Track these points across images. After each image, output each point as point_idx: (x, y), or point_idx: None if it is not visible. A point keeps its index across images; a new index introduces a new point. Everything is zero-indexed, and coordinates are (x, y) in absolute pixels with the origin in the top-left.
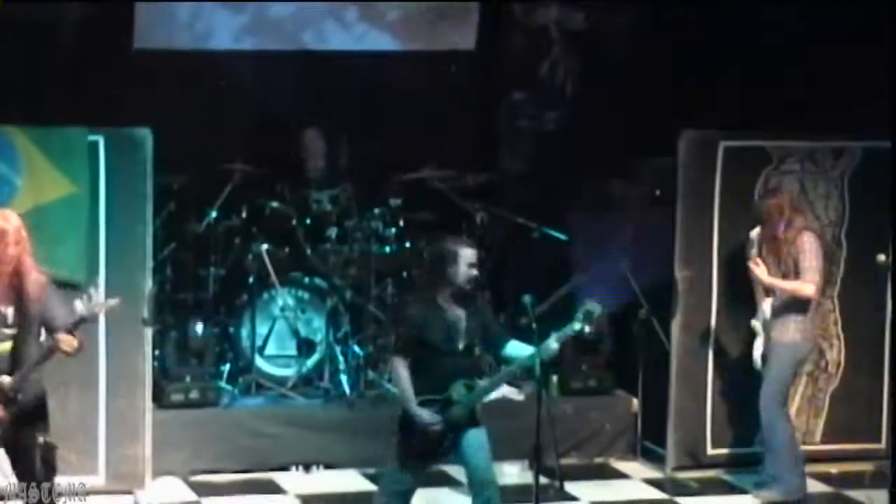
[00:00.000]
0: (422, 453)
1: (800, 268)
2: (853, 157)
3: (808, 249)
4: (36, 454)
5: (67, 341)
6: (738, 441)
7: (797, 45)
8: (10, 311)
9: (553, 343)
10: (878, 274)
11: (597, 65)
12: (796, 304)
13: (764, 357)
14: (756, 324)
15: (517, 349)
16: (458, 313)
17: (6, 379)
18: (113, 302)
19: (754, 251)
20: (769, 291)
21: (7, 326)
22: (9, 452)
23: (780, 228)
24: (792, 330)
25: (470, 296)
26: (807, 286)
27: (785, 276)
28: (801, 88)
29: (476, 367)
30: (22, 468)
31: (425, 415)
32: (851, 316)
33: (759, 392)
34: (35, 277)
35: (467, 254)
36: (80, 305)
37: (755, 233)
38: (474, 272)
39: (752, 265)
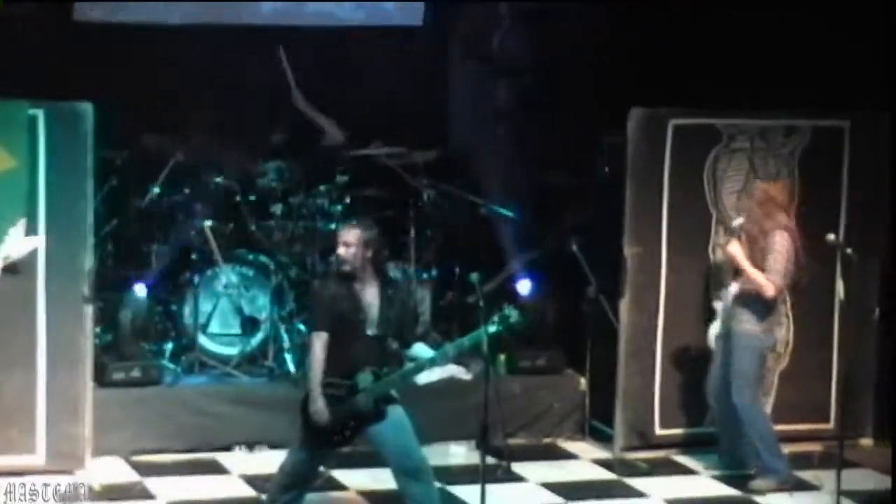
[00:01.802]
0: (323, 436)
1: (767, 265)
2: (804, 134)
3: (779, 250)
4: None
5: None
6: (688, 421)
7: (748, 21)
8: None
9: (450, 350)
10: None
11: (548, 40)
12: (759, 296)
13: (720, 339)
14: (717, 305)
15: (422, 352)
16: (371, 300)
17: None
18: (35, 239)
19: (738, 232)
20: (735, 276)
21: None
22: None
23: (761, 218)
24: (752, 321)
25: (386, 285)
26: (768, 286)
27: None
28: (752, 65)
29: (385, 357)
30: None
31: (320, 403)
32: (801, 296)
33: (710, 374)
34: None
35: (342, 233)
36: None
37: (741, 218)
38: (342, 252)
39: (731, 243)
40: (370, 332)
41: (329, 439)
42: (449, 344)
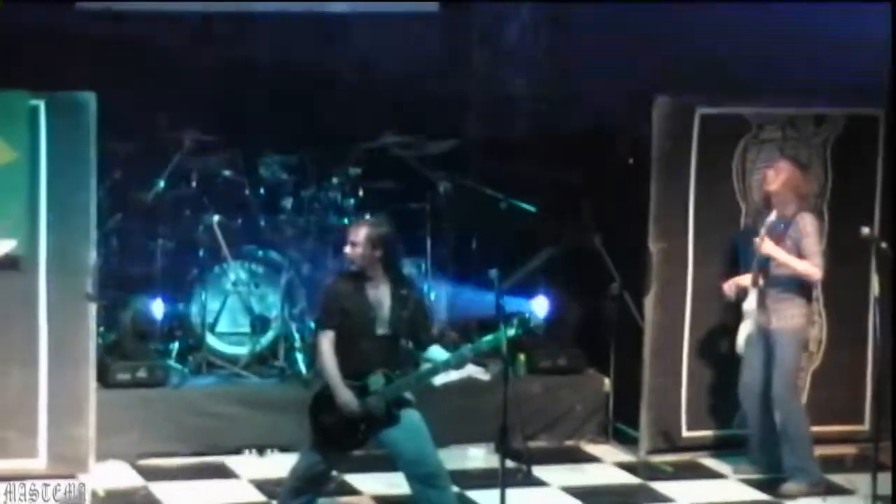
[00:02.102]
0: (334, 438)
1: (804, 251)
2: (836, 123)
3: (811, 231)
4: None
5: None
6: (716, 423)
7: (778, 6)
8: None
9: (466, 352)
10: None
11: (569, 27)
12: (799, 288)
13: (756, 339)
14: (747, 306)
15: (437, 354)
16: (382, 299)
17: None
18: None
19: (764, 230)
20: (764, 275)
21: None
22: None
23: (783, 203)
24: (797, 315)
25: (398, 284)
26: (814, 271)
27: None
28: (782, 53)
29: (398, 358)
30: None
31: (347, 395)
32: (834, 292)
33: (741, 376)
34: None
35: (349, 231)
36: None
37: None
38: (348, 251)
39: (759, 241)
40: (381, 332)
41: (340, 442)
42: (465, 346)
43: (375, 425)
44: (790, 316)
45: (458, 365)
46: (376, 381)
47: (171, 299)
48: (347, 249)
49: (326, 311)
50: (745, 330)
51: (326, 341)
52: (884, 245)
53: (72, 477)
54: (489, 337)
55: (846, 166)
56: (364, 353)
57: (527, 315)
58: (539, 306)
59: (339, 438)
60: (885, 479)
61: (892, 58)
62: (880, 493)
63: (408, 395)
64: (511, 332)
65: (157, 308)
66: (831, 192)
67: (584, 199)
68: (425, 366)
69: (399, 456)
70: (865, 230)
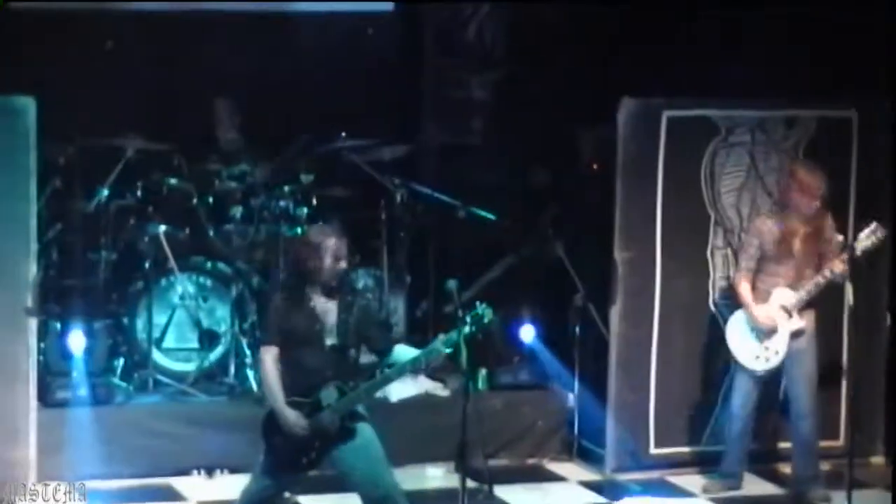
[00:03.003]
0: (286, 460)
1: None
2: (807, 126)
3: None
4: None
5: None
6: (685, 439)
7: (748, 6)
8: None
9: (422, 356)
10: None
11: (528, 28)
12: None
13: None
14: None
15: (404, 353)
16: (328, 308)
17: None
18: None
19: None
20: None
21: None
22: None
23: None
24: (813, 325)
25: (343, 291)
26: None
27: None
28: (752, 54)
29: (350, 369)
30: None
31: (291, 416)
32: (809, 304)
33: (742, 387)
34: None
35: (332, 246)
36: None
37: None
38: (341, 266)
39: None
40: (330, 342)
41: (293, 463)
42: (421, 350)
43: (330, 442)
44: (811, 327)
45: (415, 369)
46: (329, 394)
47: (115, 314)
48: (332, 264)
49: (268, 325)
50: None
51: (269, 359)
52: (858, 252)
53: (10, 502)
54: (445, 337)
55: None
56: (313, 366)
57: (479, 311)
58: (526, 334)
59: (291, 460)
60: (859, 496)
61: (892, 56)
62: None
63: (360, 409)
64: (465, 329)
65: (75, 341)
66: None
67: (546, 205)
68: (379, 375)
69: (352, 476)
70: (839, 238)
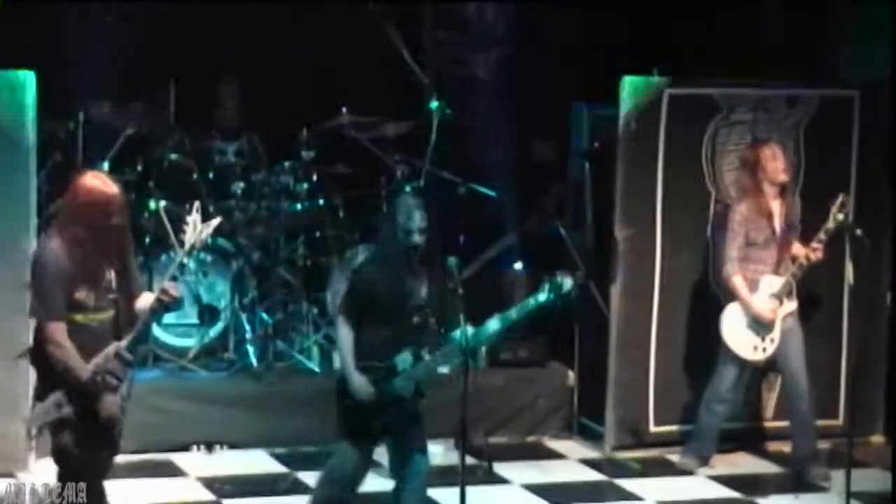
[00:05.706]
0: (359, 428)
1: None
2: (809, 105)
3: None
4: None
5: (174, 288)
6: (685, 417)
7: None
8: (114, 277)
9: (495, 324)
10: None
11: (529, 5)
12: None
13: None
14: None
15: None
16: (417, 280)
17: (122, 343)
18: (214, 222)
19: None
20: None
21: (112, 292)
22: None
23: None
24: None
25: (430, 263)
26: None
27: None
28: (754, 31)
29: (425, 341)
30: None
31: (358, 381)
32: (807, 282)
33: (733, 371)
34: (130, 238)
35: (417, 218)
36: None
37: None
38: (423, 240)
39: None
40: (414, 314)
41: (366, 428)
42: (492, 319)
43: (404, 408)
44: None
45: (487, 341)
46: (405, 359)
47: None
48: (421, 239)
49: (350, 297)
50: (776, 330)
51: (344, 327)
52: (859, 232)
53: (10, 475)
54: (520, 305)
55: (820, 149)
56: (394, 336)
57: (559, 280)
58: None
59: (363, 428)
60: (859, 475)
61: (892, 56)
62: (855, 489)
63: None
64: (542, 297)
65: None
66: (804, 177)
67: (550, 184)
68: (449, 344)
69: (404, 447)
70: (840, 216)
